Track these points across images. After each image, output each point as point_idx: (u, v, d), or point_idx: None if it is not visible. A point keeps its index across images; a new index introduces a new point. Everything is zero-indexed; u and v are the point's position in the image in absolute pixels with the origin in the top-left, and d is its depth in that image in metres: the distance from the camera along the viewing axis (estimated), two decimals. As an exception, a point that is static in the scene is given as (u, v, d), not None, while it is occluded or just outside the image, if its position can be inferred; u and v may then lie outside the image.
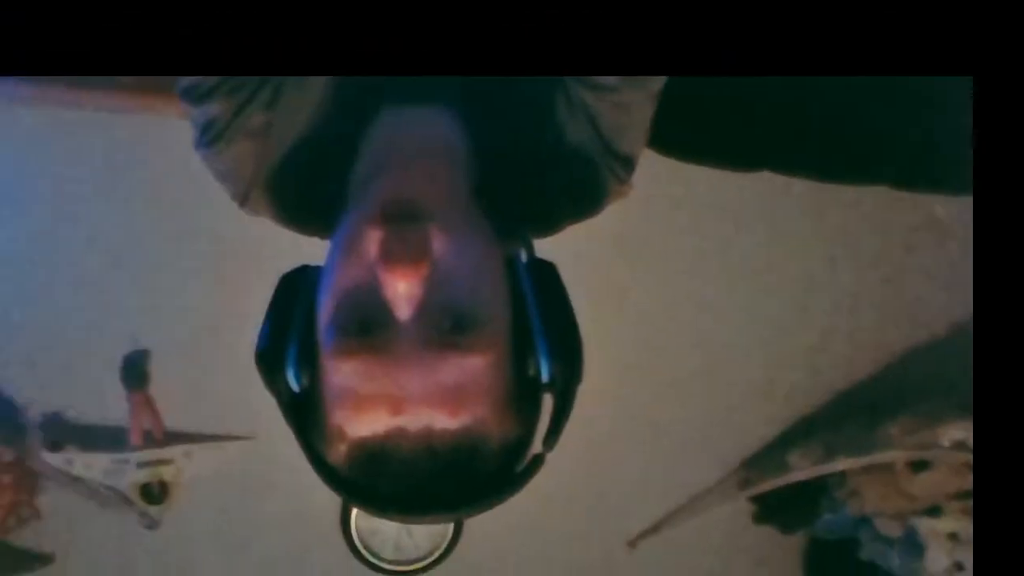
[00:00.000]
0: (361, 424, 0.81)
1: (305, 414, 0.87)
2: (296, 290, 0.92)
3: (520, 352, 0.85)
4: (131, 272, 2.62)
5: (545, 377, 0.83)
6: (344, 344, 0.81)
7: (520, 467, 0.86)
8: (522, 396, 0.86)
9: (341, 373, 0.81)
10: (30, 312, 2.63)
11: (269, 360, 0.85)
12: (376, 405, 0.79)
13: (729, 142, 1.48)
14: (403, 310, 0.80)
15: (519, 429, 0.87)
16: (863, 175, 1.55)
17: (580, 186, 1.05)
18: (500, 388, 0.84)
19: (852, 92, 1.32)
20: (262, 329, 0.88)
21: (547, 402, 0.87)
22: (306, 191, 1.07)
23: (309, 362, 0.85)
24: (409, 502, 0.82)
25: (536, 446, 0.86)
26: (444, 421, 0.79)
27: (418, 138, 0.98)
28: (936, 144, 1.37)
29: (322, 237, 1.02)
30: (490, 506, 0.84)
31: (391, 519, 0.86)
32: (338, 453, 0.84)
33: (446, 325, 0.80)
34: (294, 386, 0.84)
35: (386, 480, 0.81)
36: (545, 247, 1.03)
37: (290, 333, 0.87)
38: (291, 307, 0.90)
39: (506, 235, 0.95)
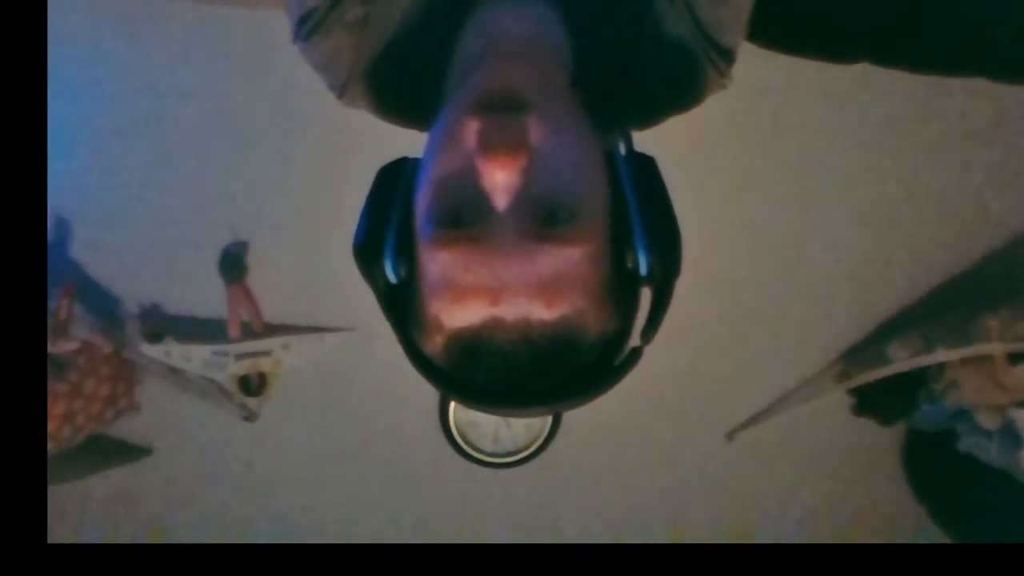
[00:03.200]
0: (458, 314, 0.82)
1: (402, 305, 0.89)
2: (394, 182, 0.94)
3: (619, 245, 0.87)
4: (229, 164, 2.68)
5: (643, 270, 0.84)
6: (441, 234, 0.83)
7: (618, 360, 0.87)
8: (620, 289, 0.88)
9: (438, 263, 0.83)
10: (127, 205, 2.70)
11: (367, 251, 0.87)
12: (473, 295, 0.81)
13: (828, 33, 1.47)
14: (501, 200, 0.82)
15: (617, 322, 0.88)
16: (963, 66, 1.53)
17: (679, 78, 1.05)
18: (598, 280, 0.85)
19: None
20: (360, 220, 0.90)
21: (645, 295, 0.88)
22: (404, 84, 1.08)
23: (407, 253, 0.88)
24: (505, 394, 0.84)
25: (634, 339, 0.89)
26: (541, 312, 0.81)
27: (516, 30, 0.99)
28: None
29: (420, 129, 1.03)
30: (587, 399, 0.86)
31: (487, 411, 0.89)
32: (435, 344, 0.86)
33: (543, 216, 0.82)
34: (391, 277, 0.87)
35: (482, 371, 0.83)
36: (644, 139, 1.06)
37: (388, 224, 0.89)
38: (389, 199, 0.92)
39: (605, 127, 0.96)
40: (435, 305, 0.84)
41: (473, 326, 0.82)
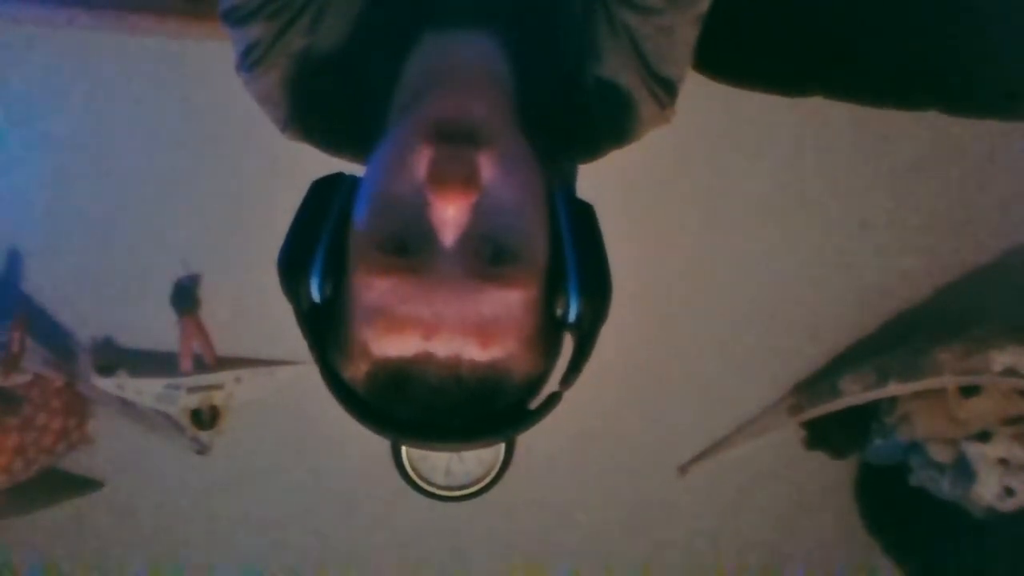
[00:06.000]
0: (389, 344, 0.82)
1: (324, 326, 0.88)
2: (328, 197, 0.92)
3: (551, 290, 0.87)
4: (181, 196, 2.71)
5: (572, 317, 0.86)
6: (382, 260, 0.82)
7: (534, 403, 0.89)
8: (548, 334, 0.89)
9: (374, 290, 0.82)
10: (80, 238, 2.73)
11: (294, 267, 0.86)
12: (408, 327, 0.81)
13: (779, 65, 1.48)
14: (448, 235, 0.81)
15: (541, 366, 0.90)
16: (916, 100, 1.53)
17: (620, 111, 1.05)
18: (531, 324, 0.86)
19: (904, 12, 1.33)
20: (288, 234, 0.88)
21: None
22: (346, 116, 1.08)
23: (334, 273, 0.86)
24: (424, 428, 0.85)
25: (552, 384, 0.90)
26: (475, 351, 0.81)
27: (464, 61, 0.98)
28: (995, 66, 1.38)
29: (362, 163, 1.02)
30: (501, 440, 0.89)
31: (401, 443, 0.89)
32: (357, 371, 0.86)
33: (488, 255, 0.82)
34: (315, 296, 0.85)
35: (406, 404, 0.83)
36: (589, 171, 1.11)
37: (318, 241, 0.87)
38: (322, 214, 0.90)
39: (547, 161, 0.96)
40: (365, 332, 0.84)
41: (403, 358, 0.82)
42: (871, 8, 1.34)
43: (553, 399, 0.88)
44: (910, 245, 2.84)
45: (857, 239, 2.84)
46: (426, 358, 0.81)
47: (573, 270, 0.86)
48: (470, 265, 0.81)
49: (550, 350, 0.91)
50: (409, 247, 0.82)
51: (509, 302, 0.82)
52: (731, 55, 1.38)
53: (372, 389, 0.85)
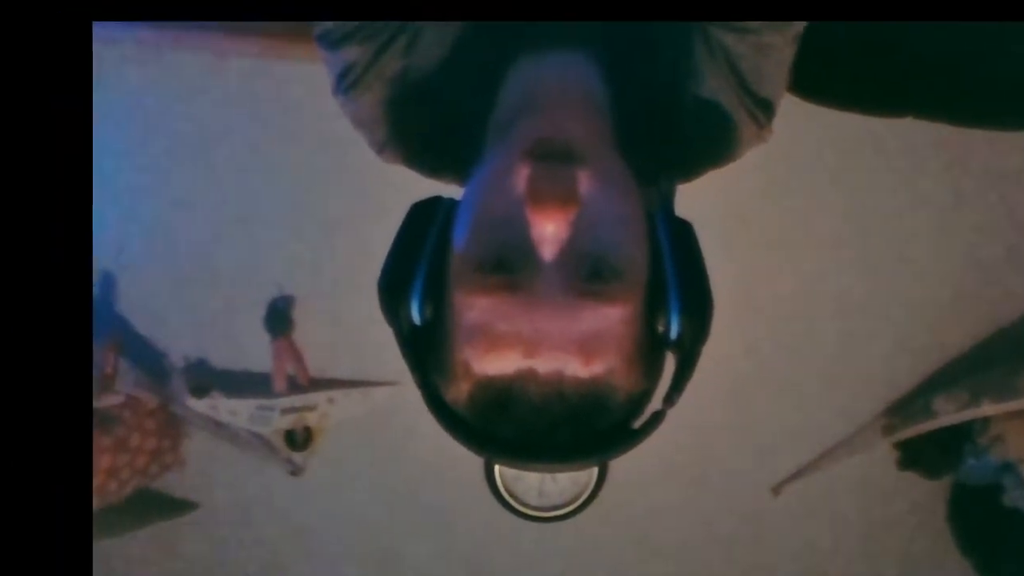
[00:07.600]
0: (491, 363, 0.82)
1: (425, 348, 0.88)
2: (427, 221, 0.93)
3: (652, 307, 0.87)
4: (275, 219, 2.72)
5: (674, 335, 0.86)
6: (483, 280, 0.82)
7: (638, 422, 0.88)
8: (649, 351, 0.89)
9: (476, 309, 0.82)
10: (174, 260, 2.74)
11: (395, 290, 0.86)
12: (509, 345, 0.81)
13: (872, 87, 1.46)
14: (548, 251, 0.82)
15: (644, 384, 0.89)
16: (1008, 120, 1.54)
17: (718, 131, 1.05)
18: (632, 341, 0.85)
19: (999, 35, 1.29)
20: (388, 258, 0.89)
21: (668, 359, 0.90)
22: (442, 138, 1.08)
23: (434, 295, 0.87)
24: (527, 448, 0.84)
25: (655, 403, 0.89)
26: (577, 368, 0.81)
27: (561, 82, 0.98)
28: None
29: (459, 184, 1.04)
30: (605, 459, 0.87)
31: (503, 463, 0.88)
32: (459, 391, 0.86)
33: (587, 271, 0.82)
34: (416, 318, 0.86)
35: (509, 423, 0.83)
36: (686, 191, 1.09)
37: (418, 264, 0.88)
38: (421, 238, 0.90)
39: (645, 182, 0.96)
40: (466, 351, 0.84)
41: (505, 376, 0.82)
42: (966, 35, 1.31)
43: (656, 418, 0.87)
44: (1005, 262, 2.84)
45: (950, 257, 2.84)
46: (530, 376, 0.81)
47: (674, 287, 0.86)
48: (570, 282, 0.81)
49: (652, 368, 0.90)
50: (509, 265, 0.82)
51: (609, 318, 0.82)
52: (826, 74, 1.35)
53: (474, 409, 0.85)
